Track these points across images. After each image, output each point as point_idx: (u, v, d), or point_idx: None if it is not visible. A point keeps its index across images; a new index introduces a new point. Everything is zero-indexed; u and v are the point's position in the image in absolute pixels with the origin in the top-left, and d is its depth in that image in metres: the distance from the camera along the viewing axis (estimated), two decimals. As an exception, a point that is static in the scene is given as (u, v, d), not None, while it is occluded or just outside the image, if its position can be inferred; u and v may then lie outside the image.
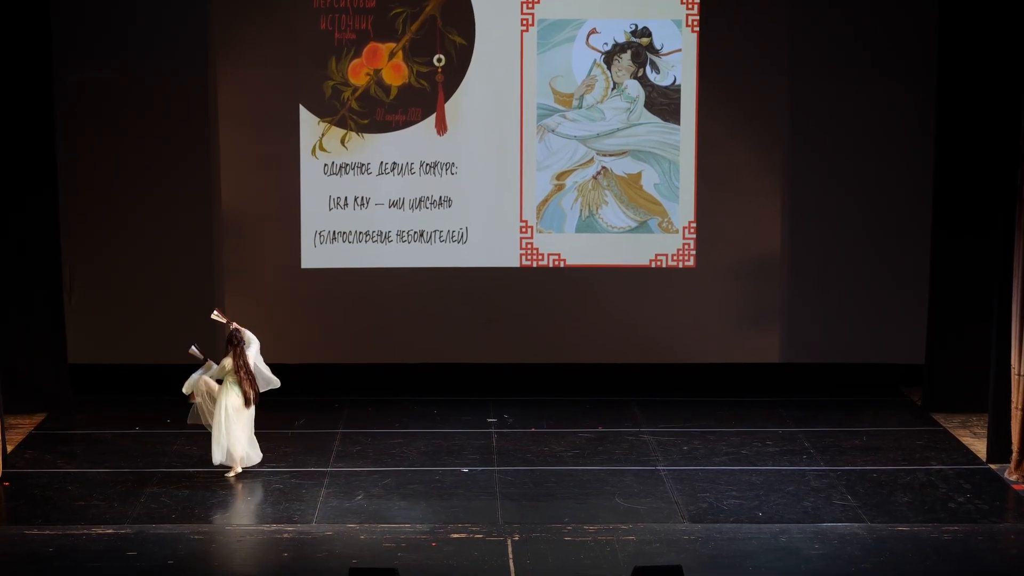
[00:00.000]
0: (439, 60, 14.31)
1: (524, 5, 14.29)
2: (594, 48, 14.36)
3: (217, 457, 12.16)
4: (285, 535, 11.07)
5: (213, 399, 12.23)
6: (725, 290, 14.64)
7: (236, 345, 12.17)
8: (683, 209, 14.53)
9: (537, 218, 14.53)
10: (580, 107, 14.42)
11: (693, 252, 14.58)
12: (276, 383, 12.45)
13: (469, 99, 14.36)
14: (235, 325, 12.30)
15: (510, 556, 10.65)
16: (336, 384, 14.70)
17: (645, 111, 14.42)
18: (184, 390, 12.33)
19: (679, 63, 14.38)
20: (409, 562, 10.45)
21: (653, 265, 14.62)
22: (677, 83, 14.41)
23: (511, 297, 14.62)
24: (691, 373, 14.80)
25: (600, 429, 13.66)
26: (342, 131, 14.37)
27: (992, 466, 12.60)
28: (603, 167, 14.50)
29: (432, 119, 14.38)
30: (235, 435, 12.13)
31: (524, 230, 14.55)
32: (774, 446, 13.19)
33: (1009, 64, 12.88)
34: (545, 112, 14.41)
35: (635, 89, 14.41)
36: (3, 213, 13.76)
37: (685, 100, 14.40)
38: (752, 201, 14.53)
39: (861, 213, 14.53)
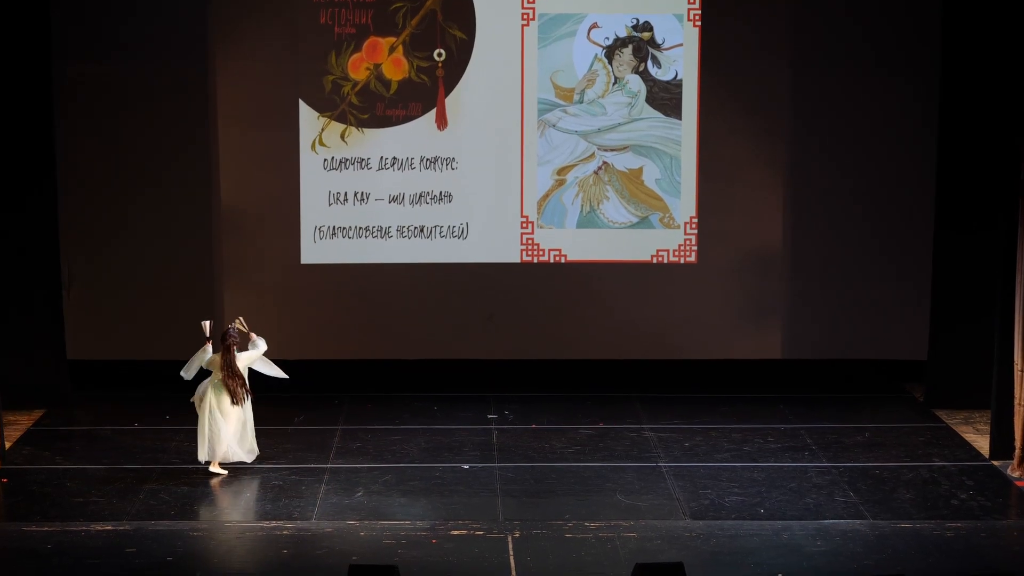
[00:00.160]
0: (439, 55, 14.27)
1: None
2: (595, 43, 14.32)
3: (200, 455, 12.13)
4: (284, 532, 11.04)
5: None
6: (727, 286, 14.62)
7: (227, 346, 12.12)
8: (684, 204, 14.50)
9: (538, 213, 14.50)
10: (581, 102, 14.38)
11: (695, 248, 14.55)
12: (282, 375, 12.45)
13: (470, 94, 14.33)
14: (244, 328, 12.25)
15: (511, 553, 10.62)
16: (336, 380, 14.67)
17: (646, 106, 14.39)
18: (182, 373, 12.30)
19: (680, 58, 14.35)
20: (409, 559, 10.42)
21: (654, 261, 14.59)
22: (678, 78, 14.37)
23: (511, 293, 14.59)
24: (693, 369, 14.78)
25: (601, 425, 13.63)
26: (342, 126, 14.34)
27: (995, 462, 12.59)
28: (604, 162, 14.46)
29: (432, 114, 14.34)
30: (218, 433, 12.08)
31: (525, 225, 14.51)
32: (776, 442, 13.17)
33: (1013, 58, 12.84)
34: (546, 107, 14.37)
35: (636, 84, 14.37)
36: (2, 209, 13.73)
37: (687, 95, 14.36)
38: (754, 196, 14.50)
39: (863, 208, 14.51)
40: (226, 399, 12.10)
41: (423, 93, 14.32)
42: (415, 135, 14.37)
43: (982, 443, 13.03)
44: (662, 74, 14.37)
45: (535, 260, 14.58)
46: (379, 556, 10.49)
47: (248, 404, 12.20)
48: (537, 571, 10.34)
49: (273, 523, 11.22)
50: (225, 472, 12.17)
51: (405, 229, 14.50)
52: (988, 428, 12.99)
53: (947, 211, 14.03)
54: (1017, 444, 12.27)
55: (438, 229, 14.51)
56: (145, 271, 14.36)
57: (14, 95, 13.61)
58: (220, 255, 14.43)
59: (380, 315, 14.59)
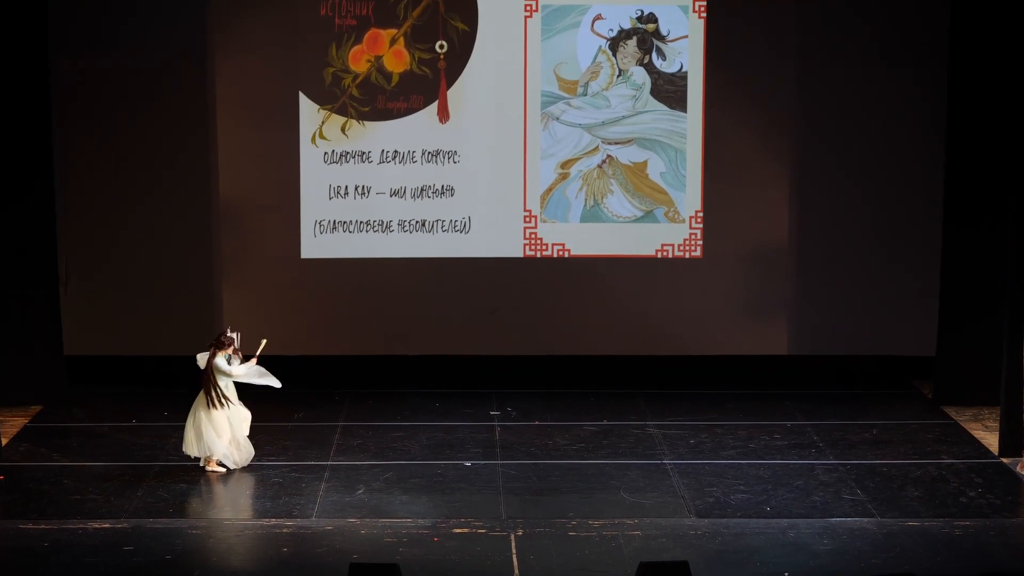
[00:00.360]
0: (441, 47, 14.21)
1: (528, -9, 14.24)
2: (599, 34, 14.25)
3: (189, 451, 12.07)
4: (284, 530, 11.00)
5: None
6: (732, 281, 14.56)
7: (213, 349, 12.01)
8: (690, 198, 14.43)
9: (541, 207, 14.43)
10: (585, 94, 14.31)
11: (700, 242, 14.48)
12: (275, 382, 12.26)
13: (472, 86, 14.25)
14: (232, 342, 12.14)
15: (513, 551, 10.58)
16: (336, 376, 14.63)
17: (651, 98, 14.32)
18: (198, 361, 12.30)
19: (685, 50, 14.28)
20: (411, 557, 10.38)
21: (659, 255, 14.52)
22: (684, 70, 14.30)
23: (514, 288, 14.54)
24: (698, 365, 14.73)
25: (605, 422, 13.59)
26: (343, 119, 14.27)
27: (1004, 460, 12.55)
28: (608, 155, 14.39)
29: (434, 106, 14.28)
30: (204, 433, 11.99)
31: (528, 219, 14.45)
32: (782, 440, 13.11)
33: (1021, 52, 12.80)
34: (549, 99, 14.30)
35: (641, 76, 14.30)
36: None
37: (692, 87, 14.29)
38: (760, 190, 14.46)
39: (870, 203, 14.45)
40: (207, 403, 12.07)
41: (425, 86, 14.25)
42: (416, 128, 14.30)
43: (991, 440, 12.99)
44: (667, 66, 14.30)
45: (538, 255, 14.50)
46: (380, 554, 10.44)
47: (237, 411, 12.08)
48: (540, 570, 10.30)
49: (273, 521, 11.18)
50: (223, 470, 12.10)
51: (406, 223, 14.43)
52: (997, 425, 12.97)
53: (955, 205, 14.01)
54: (1027, 441, 12.27)
55: (440, 223, 14.44)
56: (143, 266, 14.31)
57: (12, 92, 13.59)
58: (219, 249, 14.37)
59: (381, 310, 14.53)
